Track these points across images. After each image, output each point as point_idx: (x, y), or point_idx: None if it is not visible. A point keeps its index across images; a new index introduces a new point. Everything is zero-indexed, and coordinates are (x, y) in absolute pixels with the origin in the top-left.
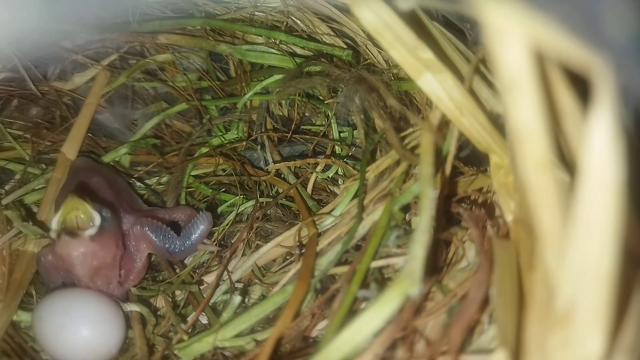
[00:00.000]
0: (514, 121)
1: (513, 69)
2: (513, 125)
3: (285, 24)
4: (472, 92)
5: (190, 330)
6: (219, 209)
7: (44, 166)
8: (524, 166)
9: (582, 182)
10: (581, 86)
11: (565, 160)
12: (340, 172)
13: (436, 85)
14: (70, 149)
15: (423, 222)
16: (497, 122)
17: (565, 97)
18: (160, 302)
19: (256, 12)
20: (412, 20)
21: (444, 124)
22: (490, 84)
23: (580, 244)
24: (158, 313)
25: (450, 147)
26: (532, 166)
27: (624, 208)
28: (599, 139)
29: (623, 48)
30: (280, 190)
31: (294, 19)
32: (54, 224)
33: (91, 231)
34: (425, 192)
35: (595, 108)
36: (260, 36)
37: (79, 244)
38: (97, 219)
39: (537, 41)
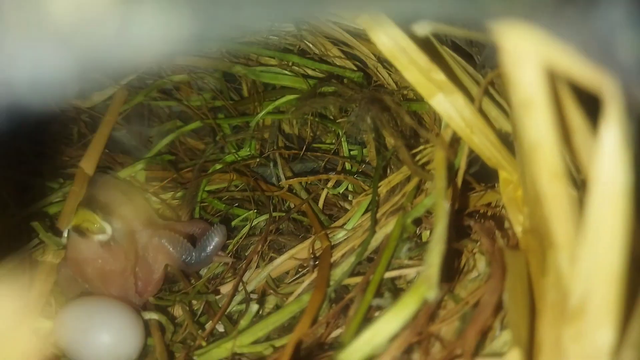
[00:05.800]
0: (529, 136)
1: (528, 88)
2: (527, 140)
3: (298, 47)
4: (481, 112)
5: (207, 338)
6: (233, 223)
7: (61, 180)
8: (538, 178)
9: (593, 190)
10: (586, 106)
11: (573, 177)
12: (350, 189)
13: (448, 105)
14: (88, 164)
15: (438, 231)
16: (506, 140)
17: (575, 115)
18: (177, 311)
19: (270, 36)
20: (424, 44)
21: (455, 142)
22: (498, 105)
23: (592, 246)
24: (175, 321)
25: (462, 163)
26: (546, 177)
27: (631, 213)
28: (608, 151)
29: (631, 70)
30: (292, 205)
31: (307, 42)
32: (66, 232)
33: (101, 237)
34: (440, 203)
35: (606, 122)
36: (274, 58)
37: (87, 246)
38: (109, 229)
39: (551, 63)
